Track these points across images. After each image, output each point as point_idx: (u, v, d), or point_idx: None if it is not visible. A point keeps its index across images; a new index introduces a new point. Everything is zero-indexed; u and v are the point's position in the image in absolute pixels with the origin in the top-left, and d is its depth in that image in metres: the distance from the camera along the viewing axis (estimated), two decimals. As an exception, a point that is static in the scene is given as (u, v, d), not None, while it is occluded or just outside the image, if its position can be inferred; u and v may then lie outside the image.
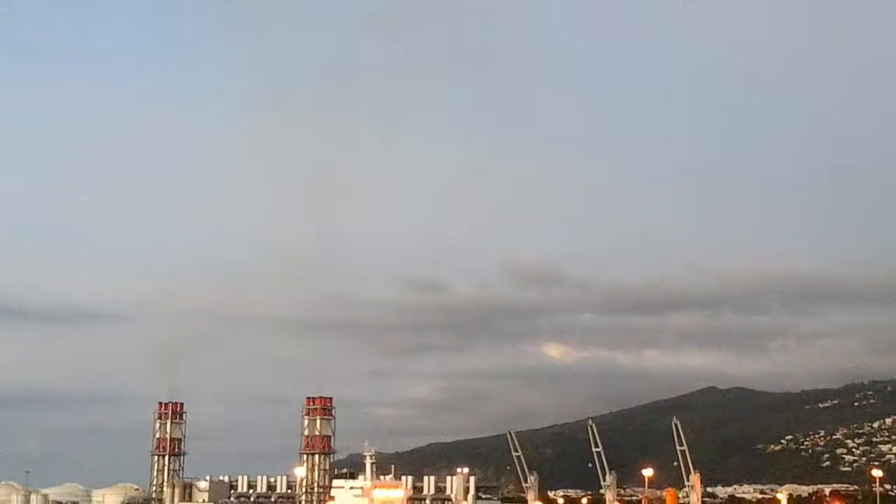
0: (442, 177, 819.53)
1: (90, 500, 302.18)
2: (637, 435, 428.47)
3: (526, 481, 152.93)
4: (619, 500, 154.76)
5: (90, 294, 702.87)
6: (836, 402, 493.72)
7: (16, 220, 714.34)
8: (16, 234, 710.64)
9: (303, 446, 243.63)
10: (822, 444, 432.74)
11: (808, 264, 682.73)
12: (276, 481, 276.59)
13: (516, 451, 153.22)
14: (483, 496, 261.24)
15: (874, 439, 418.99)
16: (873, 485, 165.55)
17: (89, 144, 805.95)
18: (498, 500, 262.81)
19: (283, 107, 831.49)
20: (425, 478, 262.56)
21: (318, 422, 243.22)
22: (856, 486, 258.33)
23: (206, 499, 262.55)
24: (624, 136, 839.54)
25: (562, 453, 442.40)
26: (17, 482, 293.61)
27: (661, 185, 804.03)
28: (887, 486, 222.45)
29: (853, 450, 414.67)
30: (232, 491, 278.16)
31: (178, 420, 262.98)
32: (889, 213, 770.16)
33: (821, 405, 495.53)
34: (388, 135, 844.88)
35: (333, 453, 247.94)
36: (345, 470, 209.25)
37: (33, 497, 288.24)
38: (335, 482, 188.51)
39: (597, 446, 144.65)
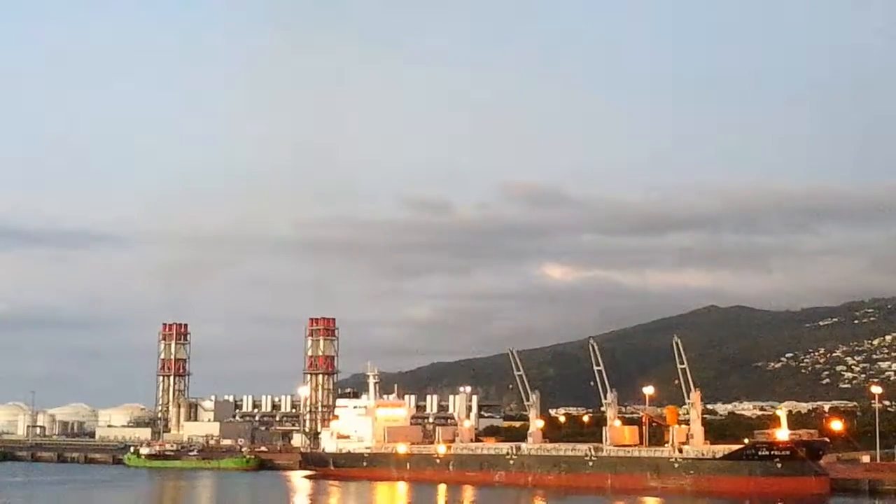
0: (442, 97, 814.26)
1: (97, 420, 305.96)
2: (638, 353, 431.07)
3: (528, 400, 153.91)
4: (620, 418, 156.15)
5: (92, 217, 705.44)
6: (836, 319, 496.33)
7: (17, 147, 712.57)
8: (18, 159, 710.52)
9: (307, 366, 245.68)
10: (821, 361, 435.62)
11: (809, 183, 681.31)
12: (280, 401, 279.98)
13: (518, 370, 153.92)
14: (485, 415, 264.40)
15: (874, 356, 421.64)
16: (872, 401, 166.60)
17: (87, 70, 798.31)
18: (500, 418, 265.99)
19: (281, 27, 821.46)
20: (428, 397, 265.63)
21: (321, 342, 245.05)
22: (855, 403, 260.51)
23: (212, 418, 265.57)
24: (624, 55, 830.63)
25: (563, 372, 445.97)
26: (24, 402, 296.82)
27: (661, 105, 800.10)
28: (886, 403, 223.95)
29: (853, 367, 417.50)
30: (237, 410, 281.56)
31: (182, 341, 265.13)
32: (890, 130, 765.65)
33: (821, 323, 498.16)
34: (386, 53, 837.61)
35: (337, 373, 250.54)
36: (348, 389, 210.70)
37: (40, 417, 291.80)
38: (339, 402, 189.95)
39: (598, 365, 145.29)
